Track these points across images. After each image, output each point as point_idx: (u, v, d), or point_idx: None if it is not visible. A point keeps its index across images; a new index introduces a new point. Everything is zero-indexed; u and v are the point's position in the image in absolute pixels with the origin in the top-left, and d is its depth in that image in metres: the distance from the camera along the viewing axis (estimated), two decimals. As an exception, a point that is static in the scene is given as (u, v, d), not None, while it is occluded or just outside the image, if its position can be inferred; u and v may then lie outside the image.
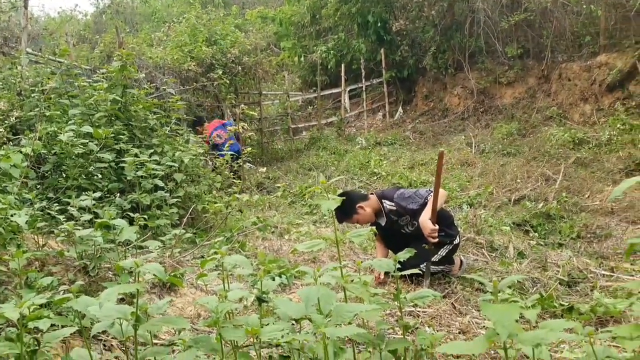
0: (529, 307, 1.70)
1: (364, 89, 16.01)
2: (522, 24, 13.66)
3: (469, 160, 10.83)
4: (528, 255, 5.48)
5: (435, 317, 3.60)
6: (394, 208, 4.43)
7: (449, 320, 3.62)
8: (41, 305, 1.99)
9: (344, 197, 4.47)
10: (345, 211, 4.39)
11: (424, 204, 4.29)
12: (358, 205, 4.45)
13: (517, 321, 1.52)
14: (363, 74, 15.86)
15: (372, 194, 4.62)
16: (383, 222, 4.53)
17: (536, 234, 6.79)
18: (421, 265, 4.30)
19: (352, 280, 1.93)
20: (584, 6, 12.44)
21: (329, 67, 16.82)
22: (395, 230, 4.55)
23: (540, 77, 13.61)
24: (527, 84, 13.78)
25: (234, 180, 6.22)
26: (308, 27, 18.50)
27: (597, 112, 11.82)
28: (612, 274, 4.89)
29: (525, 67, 13.90)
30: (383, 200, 4.49)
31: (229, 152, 6.32)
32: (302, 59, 18.04)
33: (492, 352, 3.11)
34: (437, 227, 4.14)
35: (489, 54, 14.46)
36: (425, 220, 4.16)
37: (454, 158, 10.98)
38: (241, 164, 5.57)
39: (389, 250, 4.80)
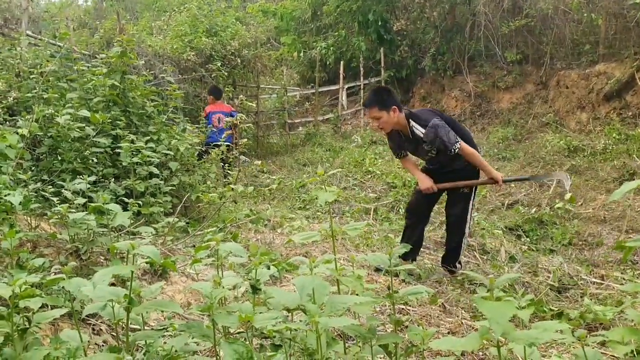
0: (523, 307, 1.70)
1: (362, 87, 15.99)
2: (522, 30, 13.70)
3: (464, 163, 10.84)
4: (519, 259, 5.50)
5: (424, 317, 3.61)
6: (421, 136, 4.36)
7: (439, 320, 3.63)
8: (32, 285, 1.98)
9: (389, 90, 4.53)
10: (383, 100, 4.30)
11: (453, 153, 4.33)
12: (394, 106, 4.32)
13: (510, 321, 1.52)
14: (362, 72, 15.84)
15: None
16: (406, 137, 4.52)
17: (528, 239, 6.81)
18: None
19: (346, 274, 1.92)
20: (585, 14, 12.48)
21: (327, 63, 16.80)
22: (416, 146, 4.55)
23: (538, 83, 13.65)
24: (524, 89, 13.81)
25: (229, 172, 6.18)
26: (309, 23, 18.47)
27: (594, 120, 11.86)
28: (602, 281, 4.92)
29: (523, 73, 13.93)
30: (412, 123, 4.38)
31: (225, 143, 6.27)
32: (302, 54, 18.01)
33: (481, 353, 3.12)
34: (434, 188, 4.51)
35: (488, 58, 14.48)
36: (427, 181, 4.52)
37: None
38: (237, 155, 5.55)
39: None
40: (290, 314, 1.81)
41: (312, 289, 1.44)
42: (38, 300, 1.68)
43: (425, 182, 4.48)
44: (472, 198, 4.61)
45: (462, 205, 4.61)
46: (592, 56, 12.76)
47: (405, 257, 4.45)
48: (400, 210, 7.69)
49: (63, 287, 1.72)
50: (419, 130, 4.33)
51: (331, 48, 16.72)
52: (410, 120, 4.37)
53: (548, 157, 10.28)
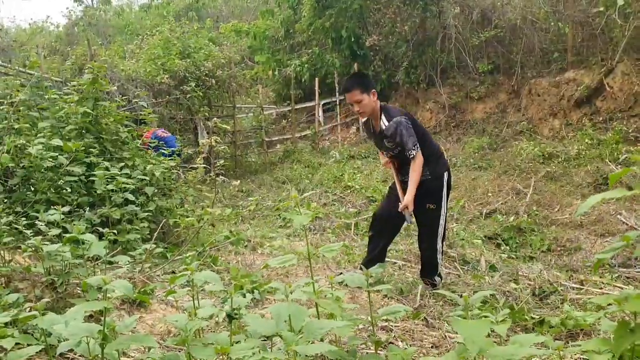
0: (500, 322, 1.71)
1: (337, 102, 16.09)
2: (492, 40, 13.93)
3: (441, 174, 10.92)
4: (500, 268, 5.53)
5: (407, 332, 3.60)
6: (384, 129, 4.32)
7: (422, 335, 3.62)
8: (6, 324, 1.94)
9: (368, 75, 4.48)
10: (364, 83, 4.29)
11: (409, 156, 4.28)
12: (373, 90, 4.31)
13: (488, 335, 1.53)
14: (337, 88, 15.95)
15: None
16: (374, 129, 4.47)
17: (507, 247, 6.86)
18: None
19: (324, 296, 1.92)
20: (552, 23, 12.76)
21: (303, 81, 16.89)
22: (381, 141, 4.48)
23: (511, 92, 13.86)
24: (497, 99, 14.01)
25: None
26: (282, 41, 18.58)
27: (566, 127, 12.08)
28: (581, 286, 4.96)
29: (495, 83, 14.14)
30: (382, 115, 4.34)
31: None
32: (276, 72, 18.07)
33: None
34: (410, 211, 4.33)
35: (460, 70, 14.68)
36: (410, 201, 4.28)
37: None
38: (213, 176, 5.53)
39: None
40: (270, 339, 1.80)
41: (288, 315, 1.43)
42: (11, 340, 1.64)
43: (409, 201, 4.30)
44: (440, 214, 4.55)
45: (427, 220, 4.57)
46: (561, 64, 13.02)
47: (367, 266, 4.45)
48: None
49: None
50: (384, 123, 4.32)
51: (305, 65, 16.82)
52: (382, 112, 4.36)
53: (523, 165, 10.41)
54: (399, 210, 4.35)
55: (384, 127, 4.32)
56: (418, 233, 4.80)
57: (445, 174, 4.54)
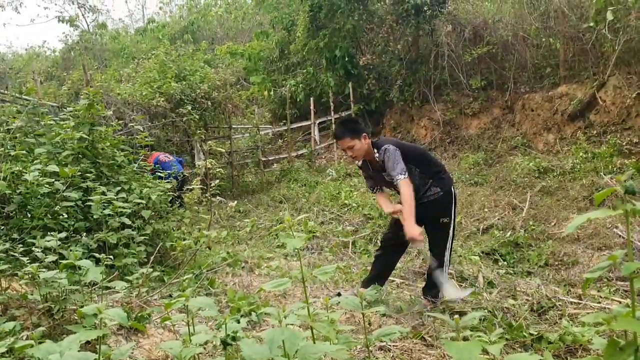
0: (493, 341, 1.72)
1: (332, 121, 16.17)
2: (484, 57, 14.06)
3: (438, 190, 10.94)
4: (497, 284, 5.54)
5: (406, 352, 3.60)
6: (378, 161, 4.42)
7: (420, 354, 3.61)
8: (2, 353, 1.94)
9: (357, 119, 4.56)
10: (353, 129, 4.35)
11: (395, 182, 4.33)
12: (364, 133, 4.37)
13: (487, 353, 1.54)
14: (332, 107, 16.05)
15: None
16: (373, 167, 4.55)
17: (505, 262, 6.87)
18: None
19: (320, 318, 1.92)
20: (543, 39, 12.89)
21: (298, 100, 17.00)
22: (381, 176, 4.55)
23: (504, 107, 13.95)
24: (491, 114, 14.10)
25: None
26: (277, 62, 18.73)
27: (560, 141, 12.14)
28: (579, 301, 4.96)
29: (489, 98, 14.24)
30: (375, 150, 4.42)
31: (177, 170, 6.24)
32: (272, 93, 18.20)
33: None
34: (421, 236, 4.29)
35: (453, 86, 14.79)
36: (412, 228, 4.22)
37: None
38: (209, 197, 5.54)
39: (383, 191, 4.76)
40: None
41: (282, 341, 1.44)
42: (7, 370, 1.65)
43: (412, 230, 4.25)
44: (451, 227, 4.61)
45: (441, 235, 4.61)
46: (553, 79, 13.13)
47: (368, 284, 4.47)
48: (378, 242, 7.72)
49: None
50: (377, 155, 4.40)
51: (300, 85, 16.95)
52: (374, 148, 4.44)
53: (519, 180, 10.45)
54: (408, 240, 4.37)
55: (378, 160, 4.42)
56: (429, 247, 4.82)
57: (452, 188, 4.64)
